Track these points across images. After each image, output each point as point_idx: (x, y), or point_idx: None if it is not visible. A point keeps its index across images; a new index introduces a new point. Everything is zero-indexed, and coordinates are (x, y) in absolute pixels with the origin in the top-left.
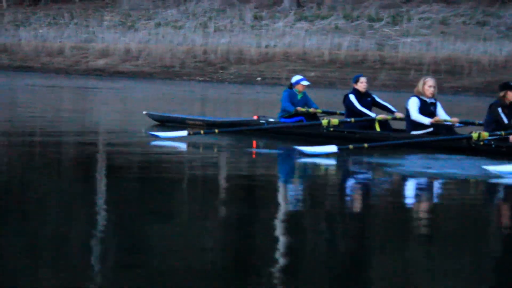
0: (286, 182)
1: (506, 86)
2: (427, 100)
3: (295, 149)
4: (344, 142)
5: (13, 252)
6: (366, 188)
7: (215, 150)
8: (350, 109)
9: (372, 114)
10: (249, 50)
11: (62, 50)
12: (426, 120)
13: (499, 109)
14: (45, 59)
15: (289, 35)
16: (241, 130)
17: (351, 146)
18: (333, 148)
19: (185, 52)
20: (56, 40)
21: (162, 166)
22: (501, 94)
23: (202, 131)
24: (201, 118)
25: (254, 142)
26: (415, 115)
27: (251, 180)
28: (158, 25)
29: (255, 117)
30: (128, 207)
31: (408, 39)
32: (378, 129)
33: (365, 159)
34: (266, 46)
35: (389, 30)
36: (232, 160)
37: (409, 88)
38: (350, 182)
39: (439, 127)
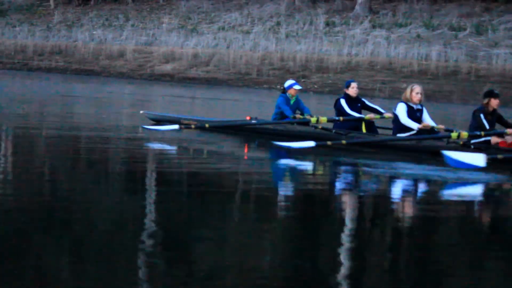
0: (339, 192)
1: (489, 94)
2: (414, 106)
3: (273, 144)
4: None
5: (59, 258)
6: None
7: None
8: (341, 113)
9: (361, 116)
10: (330, 58)
11: (123, 53)
12: (415, 125)
13: (482, 115)
14: (104, 62)
15: (369, 43)
16: (232, 127)
17: (329, 143)
18: (311, 143)
19: (259, 58)
20: (114, 42)
21: (209, 176)
22: (485, 101)
23: (193, 126)
24: (195, 118)
25: (246, 146)
26: (404, 119)
27: (298, 189)
28: (222, 29)
29: (247, 118)
30: (176, 217)
31: (501, 51)
32: (364, 130)
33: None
34: (348, 55)
35: (475, 40)
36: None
37: None
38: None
39: (424, 132)
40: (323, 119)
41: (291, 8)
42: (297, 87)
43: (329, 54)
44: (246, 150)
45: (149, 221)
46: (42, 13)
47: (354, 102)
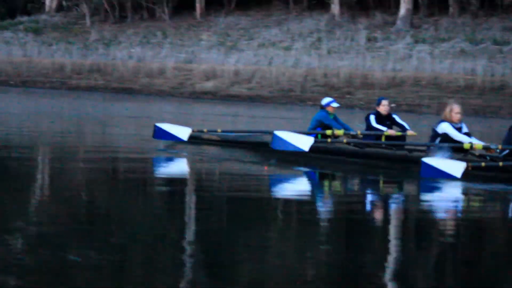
0: (380, 208)
1: None
2: (455, 125)
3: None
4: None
5: (99, 273)
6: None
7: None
8: (369, 127)
9: (384, 129)
10: (373, 74)
11: (163, 71)
12: (467, 140)
13: None
14: (144, 80)
15: (413, 58)
16: (246, 142)
17: (329, 140)
18: (310, 140)
19: (302, 75)
20: (153, 60)
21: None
22: None
23: (205, 130)
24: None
25: (266, 168)
26: (457, 136)
27: (340, 204)
28: (262, 45)
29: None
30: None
31: None
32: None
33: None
34: (392, 70)
35: None
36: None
37: None
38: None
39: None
40: (339, 132)
41: (331, 24)
42: (335, 104)
43: (372, 69)
44: (266, 168)
45: (189, 235)
46: (79, 31)
47: (384, 120)
